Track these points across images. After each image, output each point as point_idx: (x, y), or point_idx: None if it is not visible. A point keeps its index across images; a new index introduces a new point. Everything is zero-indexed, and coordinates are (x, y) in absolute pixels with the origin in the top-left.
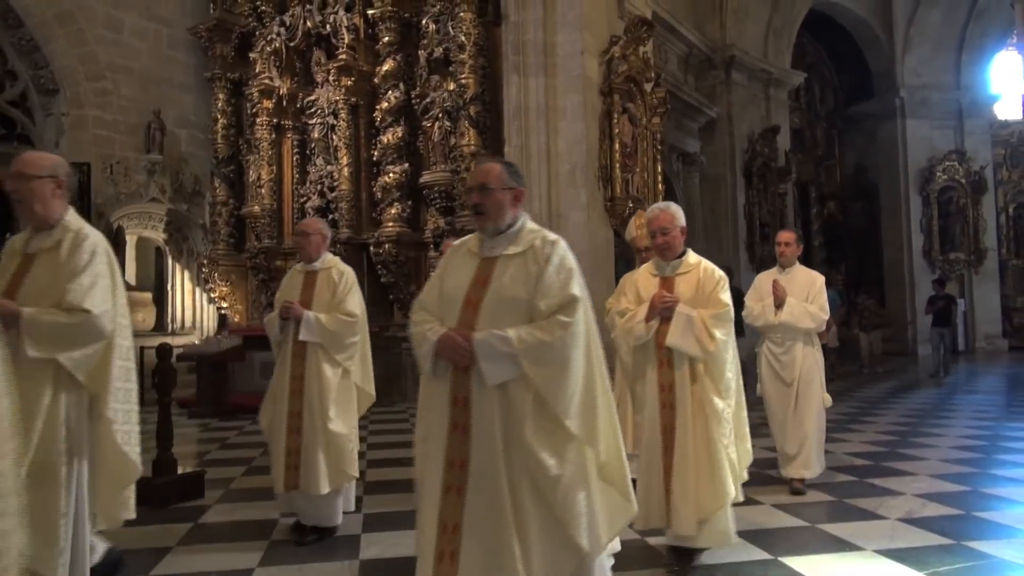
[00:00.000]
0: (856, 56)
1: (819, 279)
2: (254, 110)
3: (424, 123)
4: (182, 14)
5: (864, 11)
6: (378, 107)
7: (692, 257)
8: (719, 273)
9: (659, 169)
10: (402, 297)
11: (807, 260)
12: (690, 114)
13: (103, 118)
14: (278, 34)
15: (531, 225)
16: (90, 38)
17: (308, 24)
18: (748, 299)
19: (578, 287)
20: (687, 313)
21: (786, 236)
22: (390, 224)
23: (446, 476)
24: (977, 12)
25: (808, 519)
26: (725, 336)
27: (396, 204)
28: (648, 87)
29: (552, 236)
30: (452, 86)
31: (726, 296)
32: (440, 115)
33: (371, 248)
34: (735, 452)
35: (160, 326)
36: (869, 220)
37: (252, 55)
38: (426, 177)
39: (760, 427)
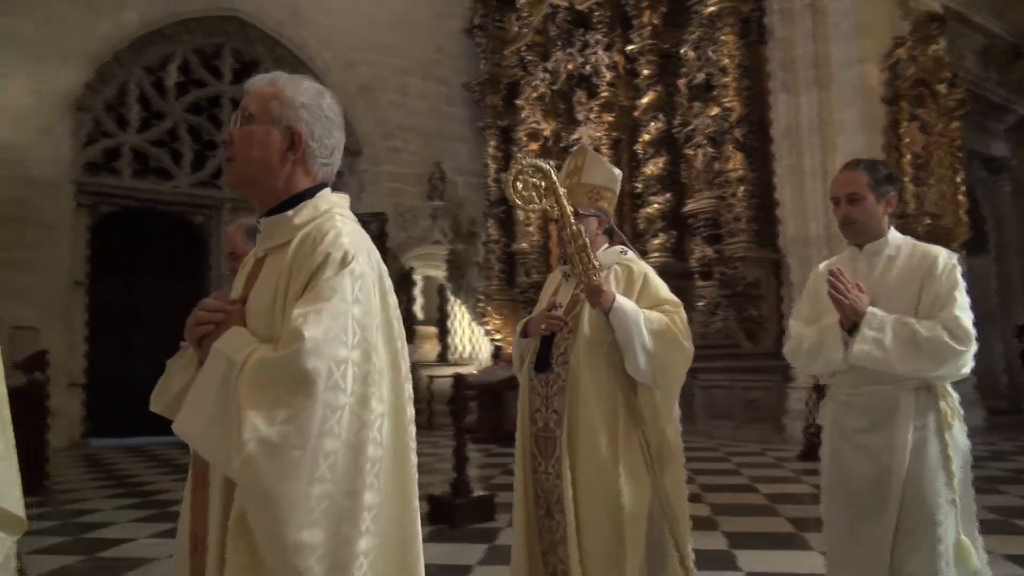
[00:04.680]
0: None
1: (942, 259)
2: (521, 153)
3: (686, 151)
4: (456, 73)
5: None
6: (639, 140)
7: (300, 216)
8: (335, 253)
9: (959, 179)
10: None
11: None
12: (994, 114)
13: (395, 172)
14: (542, 80)
15: None
16: (383, 103)
17: (570, 67)
18: (792, 320)
19: None
20: (226, 354)
21: (845, 180)
22: (655, 254)
23: None
24: None
25: None
26: (286, 428)
27: (660, 235)
28: (941, 88)
29: None
30: (715, 111)
31: (315, 319)
32: (703, 141)
33: None
34: None
35: (443, 357)
36: None
37: (519, 102)
38: (690, 205)
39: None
